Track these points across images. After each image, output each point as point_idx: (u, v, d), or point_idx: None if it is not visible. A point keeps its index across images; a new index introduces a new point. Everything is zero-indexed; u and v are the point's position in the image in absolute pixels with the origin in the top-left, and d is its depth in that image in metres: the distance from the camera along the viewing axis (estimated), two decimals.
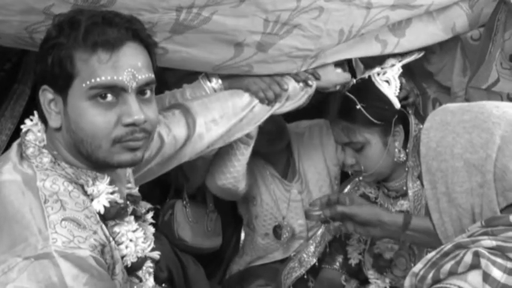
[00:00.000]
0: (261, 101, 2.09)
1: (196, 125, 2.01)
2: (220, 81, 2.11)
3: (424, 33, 2.20)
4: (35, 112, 1.51)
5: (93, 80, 1.40)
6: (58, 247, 1.31)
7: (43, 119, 1.49)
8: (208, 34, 1.87)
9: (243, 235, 2.90)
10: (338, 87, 2.22)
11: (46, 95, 1.43)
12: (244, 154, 2.36)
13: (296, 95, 2.16)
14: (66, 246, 1.32)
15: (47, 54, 1.40)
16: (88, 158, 1.47)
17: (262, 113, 2.14)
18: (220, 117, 2.05)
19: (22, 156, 1.46)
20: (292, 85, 2.14)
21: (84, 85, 1.40)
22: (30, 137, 1.49)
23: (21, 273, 1.30)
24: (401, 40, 2.17)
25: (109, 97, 1.42)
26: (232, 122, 2.07)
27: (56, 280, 1.30)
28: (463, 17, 2.19)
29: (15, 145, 1.50)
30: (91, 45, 1.40)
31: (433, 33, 2.21)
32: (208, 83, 2.11)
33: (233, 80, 2.11)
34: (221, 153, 2.39)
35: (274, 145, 2.63)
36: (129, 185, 1.64)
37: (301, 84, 2.15)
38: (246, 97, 2.09)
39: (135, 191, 1.65)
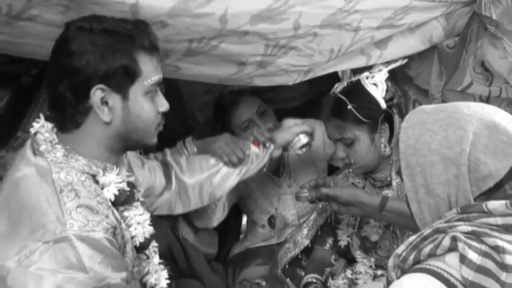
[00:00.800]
0: (226, 164, 2.10)
1: (171, 176, 2.04)
2: (195, 149, 2.18)
3: (404, 45, 2.23)
4: (41, 115, 1.55)
5: (153, 78, 1.51)
6: (75, 231, 1.34)
7: (58, 120, 1.52)
8: (216, 57, 1.93)
9: (244, 221, 2.92)
10: (302, 137, 2.23)
11: (98, 94, 1.45)
12: (216, 205, 2.41)
13: (258, 158, 2.18)
14: (82, 230, 1.35)
15: (105, 60, 1.44)
16: (130, 144, 1.58)
17: (231, 176, 2.14)
18: (188, 169, 2.08)
19: (35, 153, 1.48)
20: (253, 150, 2.17)
21: (145, 83, 1.50)
22: (39, 137, 1.50)
23: (42, 256, 1.32)
24: (383, 52, 2.22)
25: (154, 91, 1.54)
26: (199, 176, 2.08)
27: (74, 260, 1.33)
28: (439, 29, 2.21)
29: (28, 143, 1.52)
30: (150, 49, 1.51)
31: (412, 44, 2.23)
32: (185, 150, 2.19)
33: (204, 146, 2.16)
34: None
35: None
36: (127, 173, 1.66)
37: (261, 147, 2.17)
38: (212, 160, 2.12)
39: (132, 178, 1.68)
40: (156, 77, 1.53)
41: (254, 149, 2.16)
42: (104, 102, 1.46)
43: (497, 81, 2.12)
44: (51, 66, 1.50)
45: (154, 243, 1.71)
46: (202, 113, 3.10)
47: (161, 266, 1.73)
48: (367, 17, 1.98)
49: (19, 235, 1.36)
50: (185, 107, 2.98)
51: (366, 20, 2.00)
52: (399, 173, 2.04)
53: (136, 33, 1.48)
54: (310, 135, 2.24)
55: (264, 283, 2.31)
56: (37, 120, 1.53)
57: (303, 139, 2.19)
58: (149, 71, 1.51)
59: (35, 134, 1.50)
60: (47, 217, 1.35)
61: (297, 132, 2.20)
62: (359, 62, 2.22)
